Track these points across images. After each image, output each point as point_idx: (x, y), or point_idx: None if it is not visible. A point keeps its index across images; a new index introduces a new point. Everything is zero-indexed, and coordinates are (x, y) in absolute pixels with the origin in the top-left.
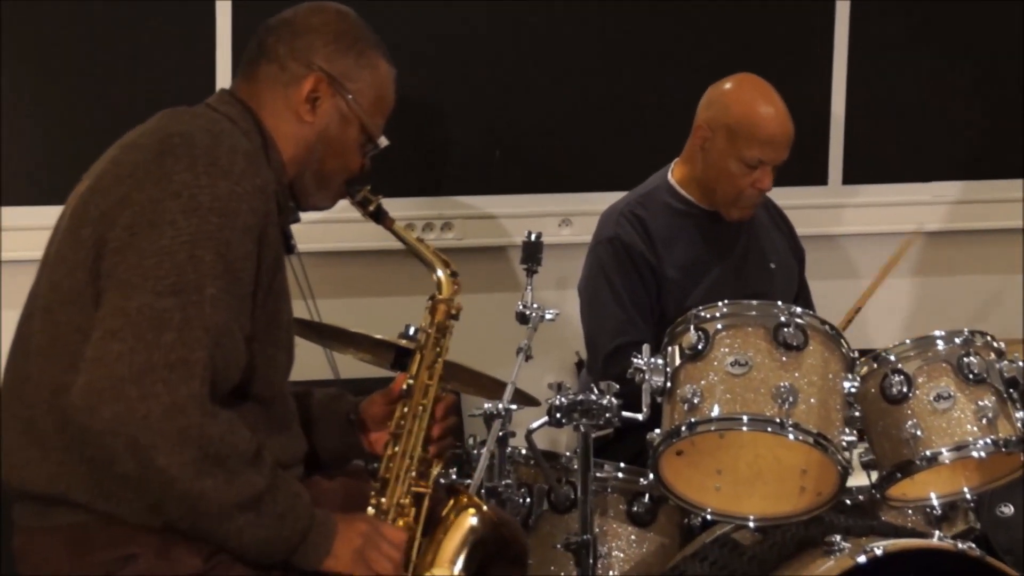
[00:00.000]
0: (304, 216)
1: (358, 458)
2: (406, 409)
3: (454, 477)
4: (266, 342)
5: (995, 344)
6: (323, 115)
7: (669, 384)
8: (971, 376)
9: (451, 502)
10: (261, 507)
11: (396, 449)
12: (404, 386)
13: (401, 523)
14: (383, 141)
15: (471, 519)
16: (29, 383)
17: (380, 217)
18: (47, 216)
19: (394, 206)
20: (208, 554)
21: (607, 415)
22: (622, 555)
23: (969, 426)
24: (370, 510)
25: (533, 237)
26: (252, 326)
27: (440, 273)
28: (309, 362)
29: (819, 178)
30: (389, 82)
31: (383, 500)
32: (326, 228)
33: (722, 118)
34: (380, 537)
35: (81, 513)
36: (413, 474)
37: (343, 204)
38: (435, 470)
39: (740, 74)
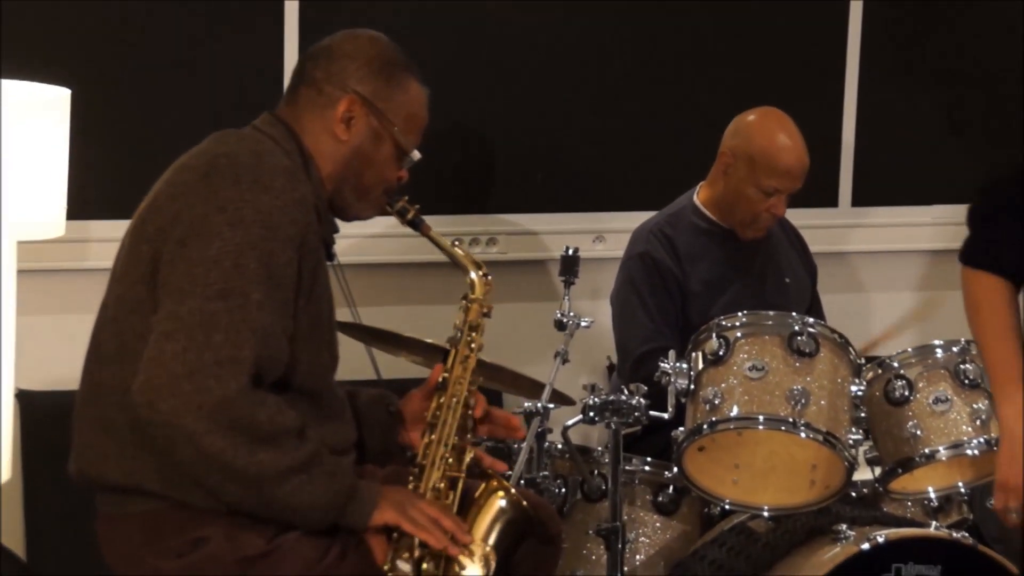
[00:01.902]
0: (348, 230)
1: (399, 453)
2: (441, 400)
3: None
4: (311, 340)
5: None
6: (357, 134)
7: (693, 386)
8: (967, 381)
9: (482, 486)
10: (312, 468)
11: (432, 437)
12: (440, 379)
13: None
14: (416, 155)
15: (500, 501)
16: (103, 387)
17: (418, 225)
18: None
19: (444, 223)
20: (271, 536)
21: (636, 414)
22: (648, 541)
23: (964, 427)
24: None
25: (570, 252)
26: (296, 327)
27: (473, 275)
28: (353, 363)
29: (831, 200)
30: (420, 100)
31: (420, 484)
32: (371, 242)
33: (745, 148)
34: (421, 502)
35: (154, 501)
36: (449, 460)
37: (384, 221)
38: (468, 456)
39: (764, 107)
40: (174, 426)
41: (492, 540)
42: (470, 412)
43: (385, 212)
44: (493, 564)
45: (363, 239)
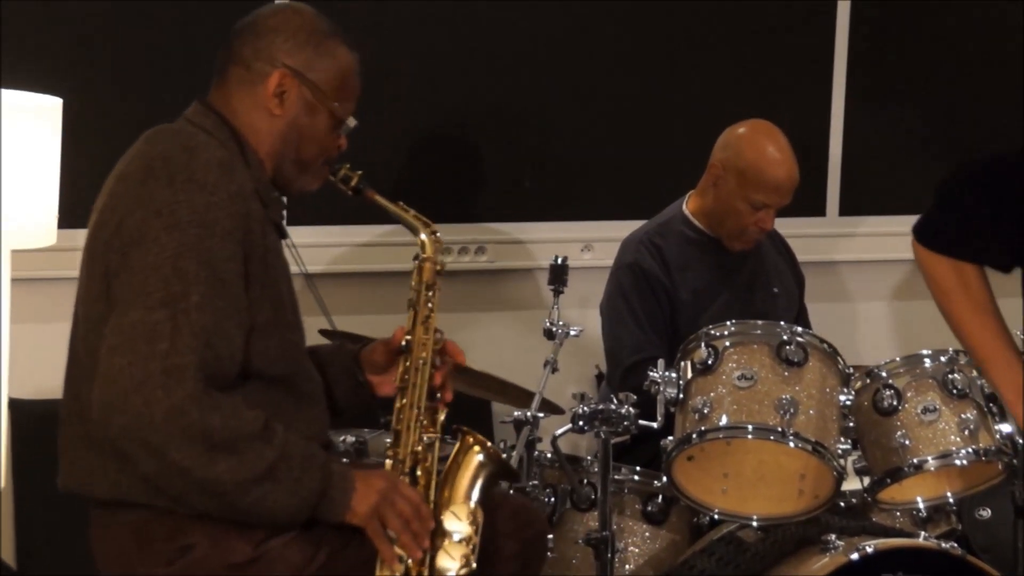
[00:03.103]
0: (325, 240)
1: (368, 403)
2: (408, 363)
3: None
4: (276, 325)
5: None
6: (291, 107)
7: (682, 395)
8: (955, 391)
9: (458, 444)
10: (277, 475)
11: (404, 401)
12: (403, 342)
13: (420, 470)
14: (351, 122)
15: (478, 456)
16: (82, 404)
17: (361, 191)
18: None
19: None
20: (258, 541)
21: (625, 423)
22: (637, 550)
23: (953, 437)
24: (388, 462)
25: (559, 261)
26: (255, 317)
27: (423, 235)
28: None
29: (818, 210)
30: (351, 66)
31: (398, 450)
32: (350, 252)
33: (735, 161)
34: (396, 494)
35: (143, 511)
36: (424, 422)
37: (356, 229)
38: (441, 415)
39: (755, 120)
40: (130, 441)
41: (476, 496)
42: (434, 372)
43: (328, 181)
44: (480, 519)
45: (352, 248)
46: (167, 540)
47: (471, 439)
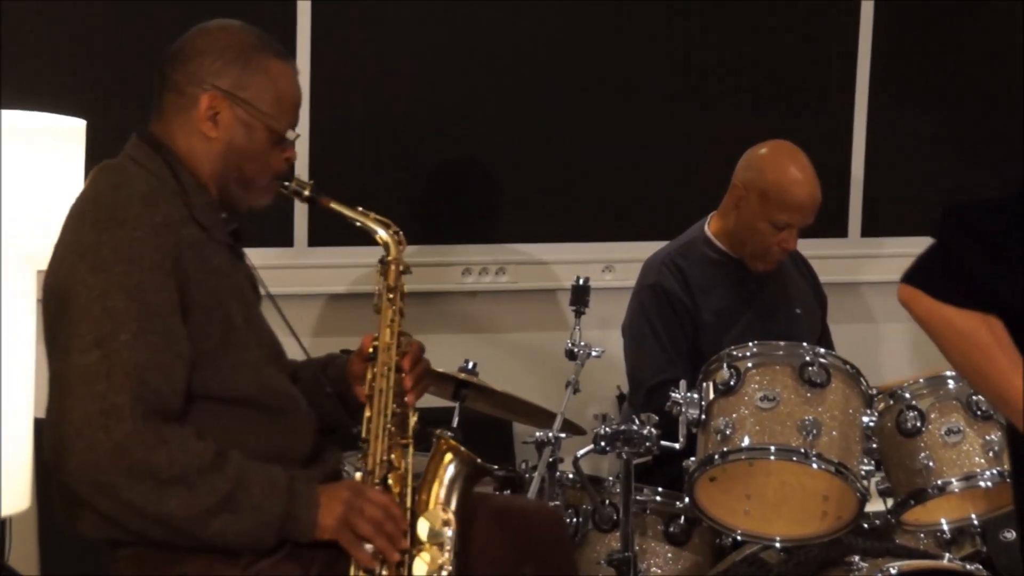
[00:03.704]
0: (345, 260)
1: (339, 415)
2: (375, 370)
3: (508, 493)
4: (227, 347)
5: None
6: (226, 128)
7: (704, 416)
8: (979, 412)
9: (432, 450)
10: (235, 505)
11: (372, 410)
12: (370, 349)
13: (392, 478)
14: (291, 134)
15: (451, 464)
16: None
17: (315, 200)
18: None
19: (454, 252)
20: (246, 564)
21: (647, 444)
22: (659, 571)
23: (977, 458)
24: (357, 474)
25: (581, 281)
26: (201, 341)
27: (383, 234)
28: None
29: (840, 231)
30: (285, 77)
31: (367, 459)
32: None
33: (757, 181)
34: (364, 500)
35: (138, 547)
36: (392, 429)
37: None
38: (412, 420)
39: (776, 141)
40: (81, 483)
41: (453, 503)
42: (403, 377)
43: (281, 196)
44: (455, 525)
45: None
46: (163, 568)
47: (444, 444)
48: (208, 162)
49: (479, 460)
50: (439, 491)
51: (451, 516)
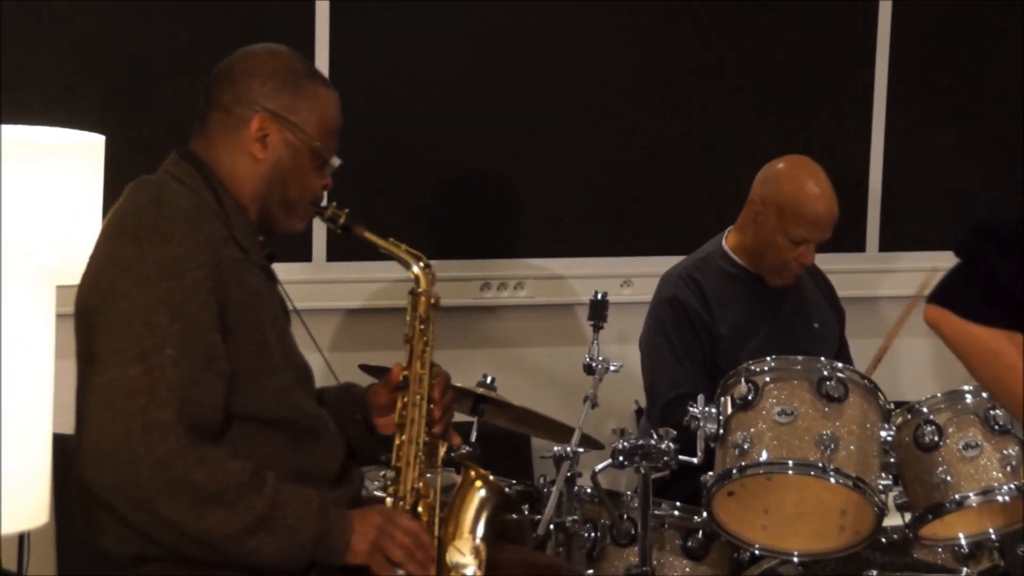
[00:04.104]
0: (364, 276)
1: (374, 447)
2: (405, 399)
3: (527, 513)
4: (261, 371)
5: None
6: (273, 150)
7: (722, 431)
8: (997, 427)
9: (460, 478)
10: (271, 525)
11: (403, 438)
12: (400, 378)
13: (421, 507)
14: (335, 161)
15: (480, 491)
16: None
17: (351, 228)
18: None
19: (474, 267)
20: None
21: (665, 458)
22: None
23: (995, 473)
24: (388, 500)
25: (599, 296)
26: (237, 362)
27: (415, 268)
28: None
29: (858, 245)
30: (331, 105)
31: (398, 487)
32: (390, 287)
33: (774, 196)
34: (395, 527)
35: (164, 564)
36: (423, 458)
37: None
38: (442, 450)
39: (794, 156)
40: (118, 498)
41: (480, 532)
42: (432, 407)
43: (314, 221)
44: (484, 555)
45: (391, 284)
46: None
47: (473, 473)
48: (252, 183)
49: (508, 490)
50: (467, 520)
51: (479, 545)
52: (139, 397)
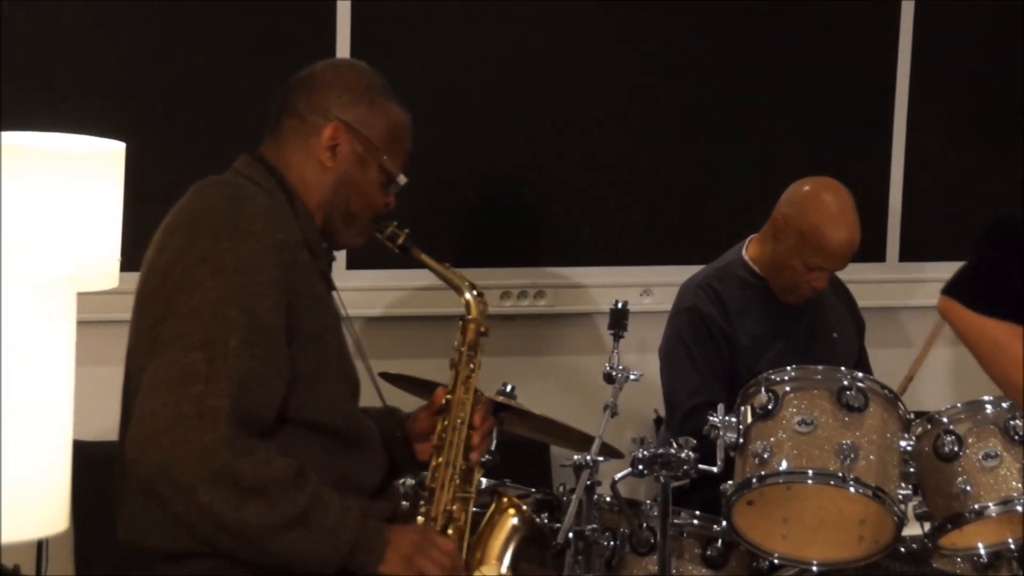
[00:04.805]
0: (381, 284)
1: (411, 469)
2: (446, 422)
3: (546, 521)
4: (320, 377)
5: None
6: (343, 160)
7: (741, 440)
8: (1016, 437)
9: (493, 504)
10: (309, 523)
11: (440, 460)
12: (443, 401)
13: (451, 529)
14: (402, 179)
15: (512, 519)
16: None
17: (408, 249)
18: None
19: (494, 275)
20: None
21: (685, 467)
22: None
23: (1014, 483)
24: (420, 519)
25: (619, 305)
26: (298, 368)
27: (468, 295)
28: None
29: (878, 256)
30: (403, 125)
31: (431, 508)
32: (408, 296)
33: (797, 220)
34: (431, 545)
35: (207, 561)
36: (457, 481)
37: (412, 273)
38: (477, 475)
39: (822, 179)
40: (161, 481)
41: (507, 559)
42: (471, 432)
43: (375, 239)
44: None
45: (409, 292)
46: None
47: (506, 500)
48: (319, 190)
49: (539, 520)
50: (496, 547)
51: (506, 574)
52: (196, 383)
